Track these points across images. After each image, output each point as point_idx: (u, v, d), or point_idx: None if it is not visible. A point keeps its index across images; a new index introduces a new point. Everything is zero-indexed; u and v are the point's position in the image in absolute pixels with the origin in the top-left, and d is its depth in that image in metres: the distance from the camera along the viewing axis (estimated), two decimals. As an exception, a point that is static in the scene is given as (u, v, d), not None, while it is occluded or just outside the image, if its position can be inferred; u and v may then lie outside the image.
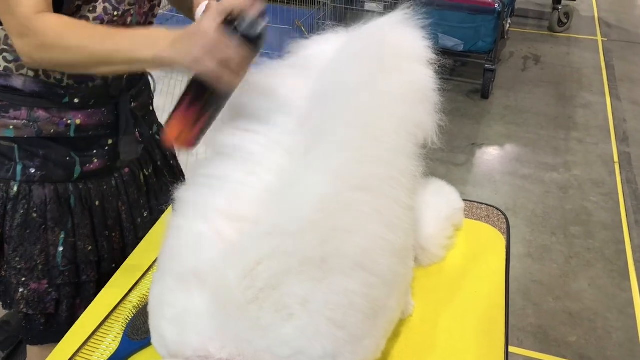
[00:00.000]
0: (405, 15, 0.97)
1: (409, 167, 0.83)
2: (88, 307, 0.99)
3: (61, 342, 0.92)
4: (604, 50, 4.55)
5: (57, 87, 1.02)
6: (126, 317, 0.96)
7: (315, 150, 0.76)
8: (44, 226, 1.07)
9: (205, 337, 0.70)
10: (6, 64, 1.00)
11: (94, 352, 0.90)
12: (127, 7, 1.02)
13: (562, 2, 4.71)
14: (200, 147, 0.92)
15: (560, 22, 4.79)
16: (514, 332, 2.14)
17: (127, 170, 1.17)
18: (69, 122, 1.05)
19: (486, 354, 0.92)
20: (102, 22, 0.99)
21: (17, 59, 0.99)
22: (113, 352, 0.89)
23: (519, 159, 3.23)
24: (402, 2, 1.06)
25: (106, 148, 1.11)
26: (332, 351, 0.69)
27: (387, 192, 0.76)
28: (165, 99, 3.95)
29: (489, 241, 1.17)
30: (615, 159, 3.25)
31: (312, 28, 4.10)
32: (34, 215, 1.06)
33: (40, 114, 1.03)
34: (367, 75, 0.88)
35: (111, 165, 1.13)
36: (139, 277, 1.05)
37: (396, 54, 0.95)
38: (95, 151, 1.10)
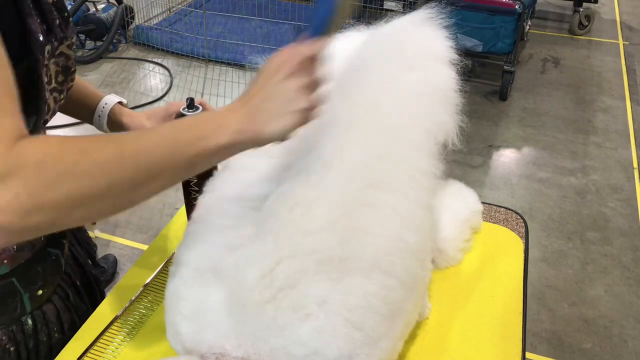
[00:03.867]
0: (428, 15, 0.96)
1: (429, 168, 0.82)
2: (104, 300, 0.99)
3: (77, 333, 0.93)
4: (625, 54, 4.49)
5: None
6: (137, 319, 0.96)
7: (333, 147, 0.75)
8: (63, 337, 0.94)
9: (222, 334, 0.70)
10: None
11: (110, 343, 0.91)
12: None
13: (584, 4, 4.65)
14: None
15: (581, 25, 4.73)
16: (527, 338, 2.11)
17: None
18: None
19: (502, 358, 0.91)
20: (54, 113, 0.80)
21: None
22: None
23: (536, 162, 3.20)
24: (421, 1, 1.05)
25: None
26: (348, 352, 0.68)
27: (406, 193, 0.76)
28: (182, 93, 3.96)
29: (507, 245, 1.16)
30: (635, 164, 3.20)
31: (330, 26, 4.08)
32: (57, 335, 0.93)
33: None
34: (388, 73, 0.88)
35: None
36: (153, 273, 1.05)
37: (418, 54, 0.94)
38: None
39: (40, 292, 0.89)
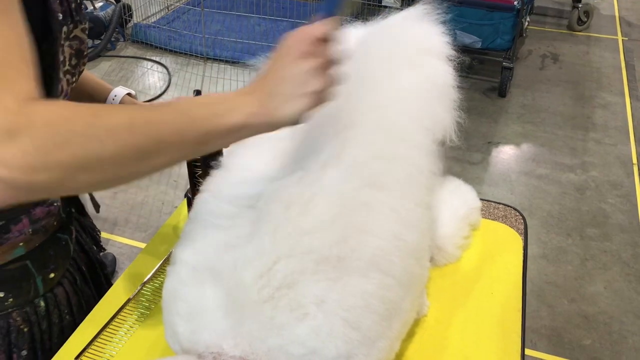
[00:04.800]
0: (425, 11, 0.96)
1: (427, 165, 0.82)
2: (102, 299, 0.99)
3: (75, 332, 0.92)
4: (624, 50, 4.48)
5: None
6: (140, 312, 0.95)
7: (330, 146, 0.75)
8: (73, 320, 0.98)
9: (219, 334, 0.69)
10: None
11: (108, 342, 0.90)
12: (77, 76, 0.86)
13: (582, 0, 4.64)
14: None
15: (580, 21, 4.72)
16: (527, 334, 2.12)
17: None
18: (56, 205, 0.92)
19: (501, 356, 0.91)
20: (66, 95, 0.82)
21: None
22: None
23: (535, 158, 3.19)
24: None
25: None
26: (346, 352, 0.68)
27: (405, 191, 0.75)
28: (181, 91, 3.96)
29: (506, 242, 1.16)
30: (634, 160, 3.20)
31: (329, 23, 4.06)
32: (68, 317, 0.97)
33: (38, 212, 0.87)
34: (385, 70, 0.87)
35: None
36: (153, 269, 1.04)
37: (415, 50, 0.93)
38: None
39: (52, 275, 0.92)
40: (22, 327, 0.89)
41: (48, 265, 0.91)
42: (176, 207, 1.26)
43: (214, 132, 0.62)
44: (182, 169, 1.04)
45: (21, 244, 0.86)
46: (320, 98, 0.65)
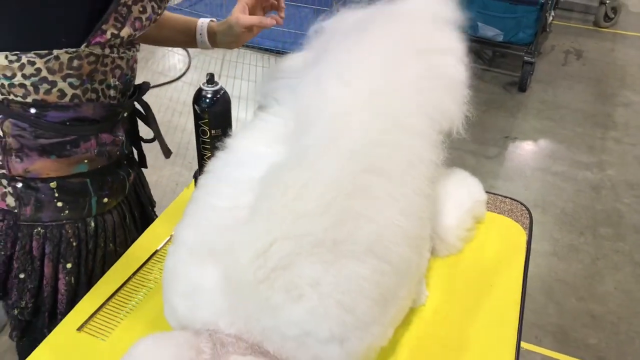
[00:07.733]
0: (440, 2, 0.95)
1: (430, 155, 0.82)
2: (103, 276, 1.01)
3: (78, 304, 0.95)
4: (651, 48, 4.40)
5: (115, 106, 0.98)
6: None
7: (330, 131, 0.75)
8: (115, 251, 1.07)
9: (216, 312, 0.71)
10: (73, 91, 0.90)
11: (110, 316, 0.92)
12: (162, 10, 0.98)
13: (610, -4, 4.57)
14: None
15: (607, 17, 4.64)
16: (533, 330, 2.11)
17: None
18: (121, 138, 1.02)
19: (496, 348, 0.91)
20: (152, 21, 0.93)
21: (83, 83, 0.90)
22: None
23: (552, 155, 3.16)
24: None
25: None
26: (339, 335, 0.69)
27: (404, 179, 0.75)
28: (200, 74, 3.95)
29: (510, 236, 1.15)
30: (653, 161, 3.15)
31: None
32: (111, 245, 1.06)
33: (105, 137, 0.98)
34: (393, 59, 0.87)
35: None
36: (155, 249, 1.06)
37: (426, 41, 0.93)
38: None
39: (105, 199, 1.02)
40: (72, 240, 0.99)
41: (104, 188, 1.01)
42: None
43: None
44: (197, 151, 1.06)
45: (85, 161, 0.96)
46: None
